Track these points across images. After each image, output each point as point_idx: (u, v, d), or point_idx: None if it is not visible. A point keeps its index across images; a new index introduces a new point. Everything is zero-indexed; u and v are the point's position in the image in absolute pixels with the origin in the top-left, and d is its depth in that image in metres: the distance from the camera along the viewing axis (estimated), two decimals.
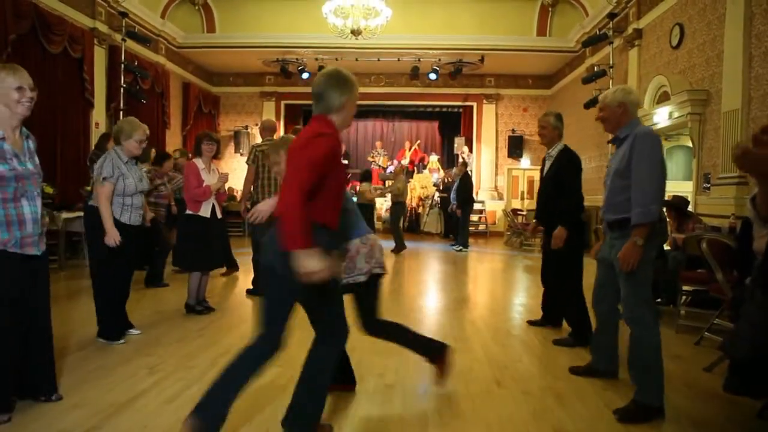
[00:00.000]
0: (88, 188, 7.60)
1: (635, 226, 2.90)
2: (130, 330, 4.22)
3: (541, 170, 4.68)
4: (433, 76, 13.75)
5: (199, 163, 4.98)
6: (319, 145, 2.17)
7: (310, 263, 2.04)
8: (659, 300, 5.57)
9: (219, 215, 5.08)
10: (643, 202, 2.88)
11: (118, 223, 3.83)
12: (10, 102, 2.60)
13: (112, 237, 3.73)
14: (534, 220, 5.00)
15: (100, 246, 3.79)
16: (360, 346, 4.02)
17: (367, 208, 9.58)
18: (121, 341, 4.01)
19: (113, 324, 4.01)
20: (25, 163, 2.65)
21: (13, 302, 2.61)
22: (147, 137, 4.04)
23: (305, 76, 13.66)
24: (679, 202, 6.00)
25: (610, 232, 3.20)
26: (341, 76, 2.34)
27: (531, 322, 4.85)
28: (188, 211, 4.95)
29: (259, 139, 6.30)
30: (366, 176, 10.24)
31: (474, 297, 6.13)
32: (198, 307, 5.03)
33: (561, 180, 4.33)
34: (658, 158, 2.96)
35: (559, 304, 4.58)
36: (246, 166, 5.88)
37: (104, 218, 3.75)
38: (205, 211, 4.92)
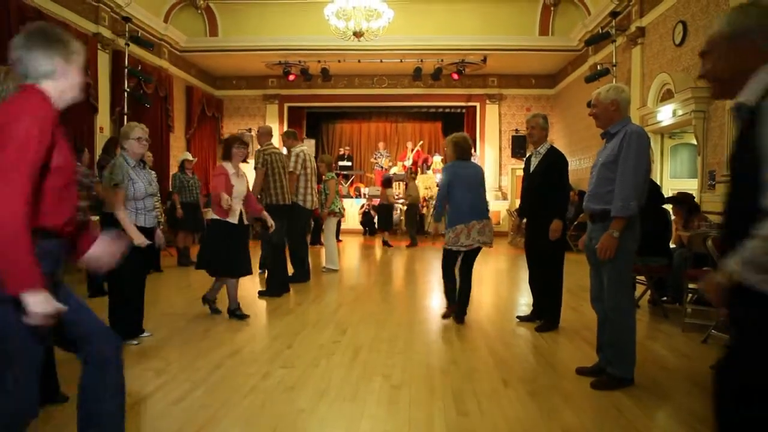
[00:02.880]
0: (94, 193, 7.63)
1: (614, 219, 3.11)
2: (141, 335, 4.22)
3: (526, 167, 4.95)
4: (435, 77, 13.77)
5: (228, 167, 4.83)
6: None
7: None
8: (665, 298, 5.55)
9: (245, 222, 4.95)
10: (625, 197, 3.09)
11: None
12: None
13: (139, 240, 3.79)
14: (518, 218, 5.41)
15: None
16: (367, 346, 4.03)
17: (388, 208, 11.96)
18: (135, 342, 4.03)
19: (126, 324, 4.02)
20: None
21: None
22: (146, 134, 4.05)
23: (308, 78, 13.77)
24: (685, 197, 5.97)
25: (592, 223, 3.38)
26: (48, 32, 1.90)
27: (521, 318, 4.97)
28: (214, 216, 4.81)
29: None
30: (389, 183, 12.15)
31: (479, 297, 6.12)
32: (213, 305, 5.09)
33: (551, 176, 4.59)
34: (645, 159, 3.16)
35: (542, 293, 4.78)
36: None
37: (125, 224, 3.78)
38: (233, 218, 4.79)
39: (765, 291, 1.39)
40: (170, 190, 9.04)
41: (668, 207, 6.14)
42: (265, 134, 6.31)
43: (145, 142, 4.02)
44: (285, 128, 14.94)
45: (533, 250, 4.82)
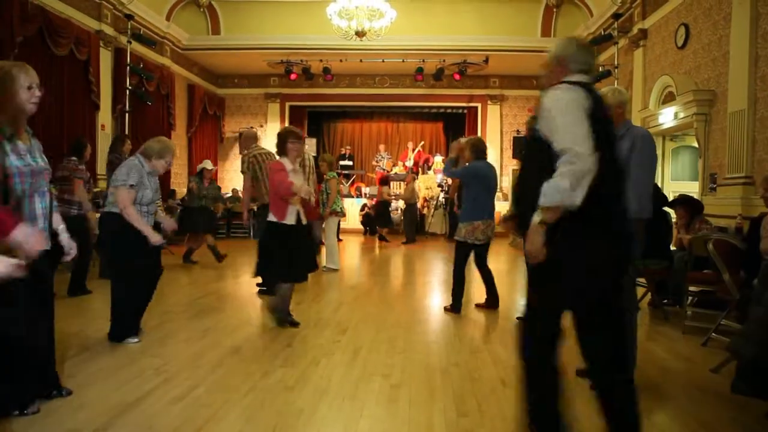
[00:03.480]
0: (96, 190, 7.62)
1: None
2: (141, 333, 4.20)
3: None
4: (437, 77, 13.76)
5: (286, 163, 4.45)
6: None
7: None
8: (666, 301, 5.55)
9: (303, 221, 4.56)
10: (640, 199, 3.08)
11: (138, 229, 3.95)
12: (22, 101, 2.65)
13: (154, 238, 3.94)
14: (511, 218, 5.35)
15: (119, 250, 3.93)
16: (367, 346, 4.04)
17: (386, 205, 12.68)
18: (135, 340, 4.02)
19: (130, 325, 4.04)
20: (36, 159, 2.71)
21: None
22: (173, 158, 4.24)
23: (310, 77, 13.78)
24: (688, 199, 5.95)
25: None
26: None
27: (520, 319, 4.91)
28: (272, 218, 4.43)
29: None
30: (386, 181, 12.96)
31: (479, 297, 6.11)
32: (289, 317, 4.66)
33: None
34: (654, 162, 3.37)
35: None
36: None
37: (139, 224, 3.89)
38: (290, 219, 4.42)
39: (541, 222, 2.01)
40: (188, 188, 8.93)
41: (668, 209, 6.12)
42: (249, 138, 6.28)
43: (169, 166, 4.22)
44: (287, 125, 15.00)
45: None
